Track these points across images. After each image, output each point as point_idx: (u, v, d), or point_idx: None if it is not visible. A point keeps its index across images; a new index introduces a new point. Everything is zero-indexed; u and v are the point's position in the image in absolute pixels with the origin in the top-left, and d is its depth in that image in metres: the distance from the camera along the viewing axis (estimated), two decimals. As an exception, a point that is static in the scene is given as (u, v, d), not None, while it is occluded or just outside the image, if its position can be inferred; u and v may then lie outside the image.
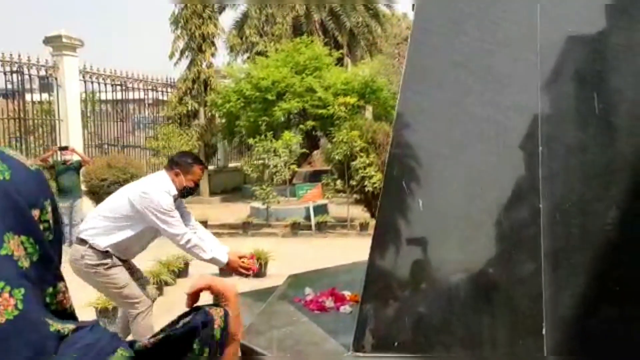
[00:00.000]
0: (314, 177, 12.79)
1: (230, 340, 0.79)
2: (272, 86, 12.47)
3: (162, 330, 0.73)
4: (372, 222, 7.75)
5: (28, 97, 11.50)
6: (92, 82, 12.29)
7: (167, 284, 5.75)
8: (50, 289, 0.67)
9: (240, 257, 3.25)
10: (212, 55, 14.63)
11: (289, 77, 12.62)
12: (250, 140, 11.07)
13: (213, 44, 14.64)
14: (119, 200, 3.26)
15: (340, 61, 15.33)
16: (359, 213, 9.93)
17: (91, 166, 9.53)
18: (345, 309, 2.44)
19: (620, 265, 1.80)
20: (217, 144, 15.45)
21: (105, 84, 12.74)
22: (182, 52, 14.74)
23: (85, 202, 8.90)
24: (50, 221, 0.69)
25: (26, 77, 10.84)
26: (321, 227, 9.46)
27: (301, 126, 12.98)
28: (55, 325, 0.64)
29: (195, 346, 0.72)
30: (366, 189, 9.33)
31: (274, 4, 17.31)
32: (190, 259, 5.75)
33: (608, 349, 1.74)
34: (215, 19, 14.84)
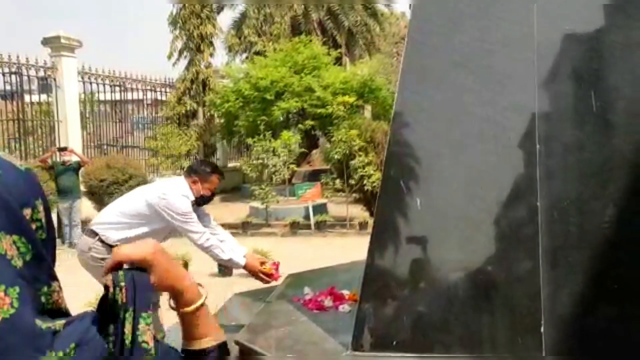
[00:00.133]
0: (313, 176, 12.78)
1: (161, 288, 0.77)
2: (271, 86, 12.47)
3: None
4: (371, 221, 7.74)
5: (27, 98, 11.52)
6: (90, 83, 12.30)
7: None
8: (45, 288, 0.67)
9: (262, 263, 3.24)
10: (211, 55, 14.65)
11: (287, 76, 12.62)
12: (249, 140, 11.08)
13: (211, 44, 14.66)
14: (136, 201, 3.32)
15: (338, 60, 15.34)
16: (358, 212, 9.94)
17: (90, 167, 9.53)
18: (344, 308, 2.44)
19: (618, 264, 1.80)
20: (216, 143, 15.46)
21: (104, 85, 12.75)
22: (180, 52, 14.75)
23: (84, 203, 8.91)
24: (43, 220, 0.69)
25: (25, 78, 10.85)
26: (320, 227, 9.47)
27: (300, 126, 12.98)
28: (47, 323, 0.64)
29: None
30: (365, 188, 9.34)
31: (272, 3, 17.31)
32: (190, 258, 5.78)
33: (606, 347, 1.74)
34: (214, 19, 14.86)
